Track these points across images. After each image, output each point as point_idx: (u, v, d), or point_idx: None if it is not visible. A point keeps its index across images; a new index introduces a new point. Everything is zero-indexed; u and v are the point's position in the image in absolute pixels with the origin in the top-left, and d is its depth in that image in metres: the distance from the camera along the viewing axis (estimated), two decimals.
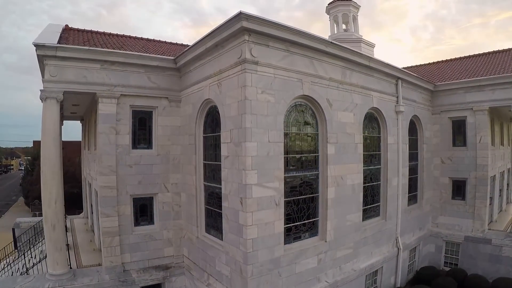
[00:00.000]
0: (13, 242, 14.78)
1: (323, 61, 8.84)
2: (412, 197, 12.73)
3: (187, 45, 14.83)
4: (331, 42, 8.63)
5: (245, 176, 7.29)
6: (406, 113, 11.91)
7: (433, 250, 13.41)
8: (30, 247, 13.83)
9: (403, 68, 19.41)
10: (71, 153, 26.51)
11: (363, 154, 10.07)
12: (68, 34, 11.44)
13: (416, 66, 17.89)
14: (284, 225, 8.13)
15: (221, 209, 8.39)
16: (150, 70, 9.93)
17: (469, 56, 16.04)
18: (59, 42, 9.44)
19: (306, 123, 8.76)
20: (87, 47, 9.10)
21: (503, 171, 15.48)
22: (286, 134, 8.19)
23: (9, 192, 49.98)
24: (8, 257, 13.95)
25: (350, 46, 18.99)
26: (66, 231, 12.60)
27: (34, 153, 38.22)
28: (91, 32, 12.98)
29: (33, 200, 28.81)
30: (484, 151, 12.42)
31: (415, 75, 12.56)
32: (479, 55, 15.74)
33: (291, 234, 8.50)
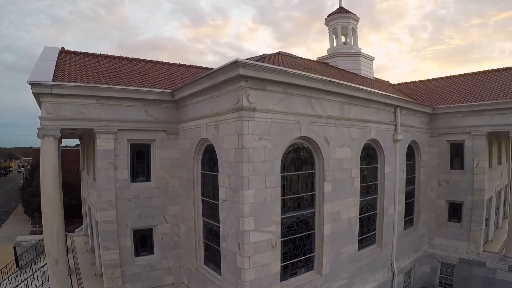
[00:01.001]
0: (14, 261, 15.01)
1: (322, 98, 8.81)
2: (408, 221, 12.89)
3: (185, 65, 14.85)
4: (329, 80, 8.57)
5: (243, 223, 7.38)
6: (404, 140, 11.92)
7: (429, 271, 13.66)
8: (32, 266, 14.09)
9: (402, 83, 19.33)
10: (69, 163, 26.48)
11: (360, 186, 10.15)
12: (64, 61, 11.34)
13: (415, 82, 17.77)
14: (281, 263, 8.29)
15: (219, 246, 8.52)
16: (147, 103, 9.89)
17: (469, 74, 15.93)
18: (55, 73, 9.41)
19: (303, 163, 8.80)
20: (83, 84, 9.03)
21: (500, 189, 15.60)
22: (283, 177, 8.24)
23: (8, 198, 49.43)
24: (11, 276, 14.20)
25: (349, 61, 19.08)
26: (67, 251, 12.82)
27: (33, 161, 38.08)
28: (87, 55, 12.87)
29: (33, 213, 28.62)
30: (481, 175, 12.49)
31: (414, 101, 12.52)
32: (479, 73, 15.62)
33: (288, 271, 8.67)
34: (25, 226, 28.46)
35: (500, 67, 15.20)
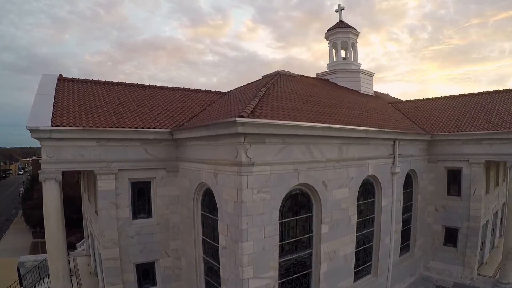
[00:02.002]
0: (18, 281, 15.38)
1: (320, 143, 8.88)
2: (404, 247, 13.13)
3: (184, 89, 14.77)
4: (329, 127, 8.61)
5: (242, 272, 7.60)
6: (402, 170, 12.02)
7: None
8: (36, 286, 14.47)
9: (402, 102, 19.17)
10: (68, 174, 26.38)
11: (357, 221, 10.32)
12: (62, 93, 11.30)
13: (415, 101, 17.68)
14: None
15: (220, 286, 8.77)
16: (146, 142, 9.98)
17: (469, 95, 15.85)
18: (53, 113, 9.44)
19: (301, 207, 8.94)
20: (82, 128, 9.08)
21: (497, 210, 15.79)
22: (281, 223, 8.40)
23: (8, 204, 48.64)
24: None
25: (349, 77, 18.98)
26: (71, 275, 13.15)
27: (33, 170, 37.97)
28: (85, 82, 12.82)
29: (35, 227, 28.54)
30: (478, 203, 12.65)
31: (413, 131, 12.53)
32: (479, 94, 15.55)
33: None
34: (26, 238, 28.50)
35: (500, 89, 15.12)
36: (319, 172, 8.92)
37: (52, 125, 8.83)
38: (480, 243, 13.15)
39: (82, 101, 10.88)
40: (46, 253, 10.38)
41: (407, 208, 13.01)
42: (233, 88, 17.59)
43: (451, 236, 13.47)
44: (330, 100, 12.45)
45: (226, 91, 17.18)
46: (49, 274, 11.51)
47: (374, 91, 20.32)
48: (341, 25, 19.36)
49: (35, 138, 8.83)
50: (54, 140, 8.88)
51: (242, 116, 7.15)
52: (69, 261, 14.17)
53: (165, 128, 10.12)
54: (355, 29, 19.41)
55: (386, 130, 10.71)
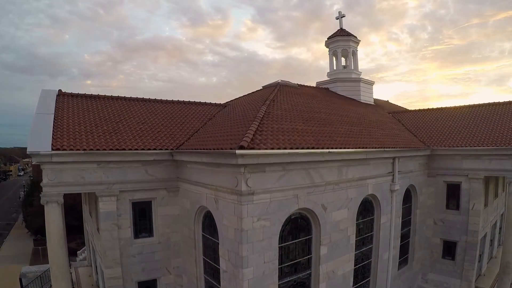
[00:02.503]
0: None
1: (320, 167, 8.93)
2: (403, 261, 13.27)
3: (184, 102, 14.74)
4: (328, 152, 8.65)
5: None
6: (401, 187, 12.08)
7: None
8: None
9: (402, 112, 19.05)
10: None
11: (356, 240, 10.42)
12: (62, 110, 11.28)
13: (415, 111, 17.64)
14: None
15: None
16: (147, 163, 10.04)
17: (470, 106, 15.82)
18: (53, 134, 9.46)
19: (301, 230, 9.03)
20: (82, 151, 9.11)
21: (496, 221, 15.91)
22: (281, 247, 8.49)
23: (8, 207, 47.89)
24: None
25: (349, 86, 18.90)
26: (73, 285, 13.31)
27: (33, 174, 37.80)
28: (85, 97, 12.77)
29: (36, 234, 28.49)
30: (476, 217, 12.75)
31: (413, 147, 12.54)
32: (479, 105, 15.53)
33: None
34: (27, 244, 28.31)
35: (501, 101, 15.11)
36: (319, 195, 8.99)
37: (52, 149, 8.88)
38: (478, 256, 13.29)
39: (82, 120, 10.89)
40: (47, 261, 10.46)
41: (406, 222, 13.11)
42: (233, 99, 17.56)
43: (449, 249, 13.60)
44: (330, 116, 12.45)
45: (226, 101, 17.15)
46: (51, 286, 11.64)
47: (375, 99, 20.28)
48: (342, 33, 19.24)
49: (36, 162, 8.89)
50: (55, 164, 8.94)
51: (242, 146, 7.18)
52: (71, 273, 14.33)
53: (165, 149, 10.16)
54: (356, 37, 19.31)
55: (386, 149, 10.74)
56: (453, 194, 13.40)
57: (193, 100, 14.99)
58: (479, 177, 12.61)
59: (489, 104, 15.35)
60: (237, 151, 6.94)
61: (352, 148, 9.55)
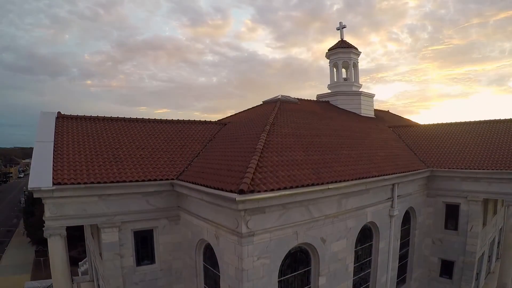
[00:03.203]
0: None
1: (319, 202, 8.99)
2: (401, 280, 13.46)
3: (187, 121, 14.70)
4: (328, 188, 8.70)
5: None
6: (400, 211, 12.17)
7: None
8: None
9: (403, 126, 18.83)
10: None
11: (354, 266, 10.56)
12: (62, 135, 11.30)
13: (416, 126, 17.57)
14: None
15: None
16: (148, 194, 10.13)
17: (470, 123, 15.77)
18: (54, 166, 9.53)
19: (300, 263, 9.15)
20: (83, 186, 9.20)
21: (494, 237, 16.04)
22: (280, 281, 8.63)
23: (9, 212, 46.79)
24: None
25: (349, 99, 18.79)
26: None
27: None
28: (84, 119, 12.78)
29: (37, 247, 28.34)
30: (474, 239, 12.87)
31: (413, 170, 12.56)
32: (481, 122, 15.48)
33: None
34: (28, 252, 27.99)
35: (502, 118, 15.05)
36: (318, 229, 9.08)
37: (53, 183, 8.95)
38: (475, 275, 13.47)
39: (82, 147, 10.93)
40: (49, 273, 10.54)
41: (405, 243, 13.25)
42: (233, 114, 17.53)
43: (447, 268, 13.79)
44: (330, 139, 12.45)
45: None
46: None
47: (375, 104, 20.17)
48: (342, 45, 19.06)
49: (38, 196, 8.98)
50: (56, 198, 9.03)
51: (242, 190, 7.21)
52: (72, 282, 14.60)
53: (166, 179, 10.23)
54: (356, 49, 19.13)
55: (385, 177, 10.78)
56: (452, 214, 13.51)
57: (193, 119, 14.97)
58: (478, 199, 12.68)
59: (490, 122, 15.29)
60: (237, 198, 7.00)
61: (352, 180, 9.60)
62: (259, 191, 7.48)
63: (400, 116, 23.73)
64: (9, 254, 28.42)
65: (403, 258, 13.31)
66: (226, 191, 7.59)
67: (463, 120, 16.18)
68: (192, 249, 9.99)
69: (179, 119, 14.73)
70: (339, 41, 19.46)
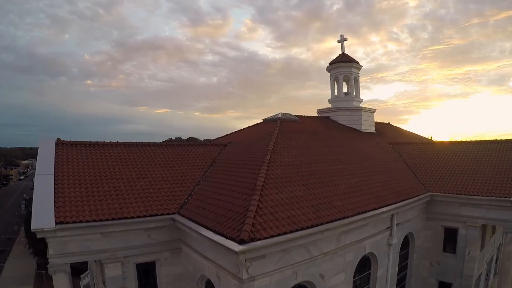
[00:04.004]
0: None
1: (319, 241, 9.08)
2: None
3: (187, 144, 14.74)
4: (327, 229, 8.78)
5: None
6: (399, 239, 12.28)
7: None
8: None
9: (403, 143, 18.64)
10: None
11: None
12: (62, 165, 11.35)
13: (417, 144, 17.50)
14: None
15: None
16: (149, 229, 10.25)
17: (471, 143, 15.73)
18: (55, 203, 9.62)
19: None
20: (86, 224, 9.31)
21: (492, 256, 16.21)
22: None
23: (9, 218, 45.55)
24: None
25: (350, 115, 18.69)
26: None
27: None
28: (84, 145, 12.79)
29: (39, 259, 28.01)
30: (472, 263, 13.03)
31: (413, 196, 12.59)
32: (481, 142, 15.43)
33: None
34: (30, 263, 27.02)
35: (503, 139, 15.00)
36: (316, 267, 9.21)
37: (56, 222, 9.06)
38: None
39: (83, 179, 10.99)
40: (51, 286, 10.74)
41: (403, 267, 13.42)
42: (233, 131, 17.49)
43: None
44: (330, 167, 12.48)
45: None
46: None
47: (376, 121, 20.10)
48: (343, 59, 18.85)
49: (41, 237, 9.11)
50: (60, 237, 9.16)
51: (243, 240, 7.30)
52: None
53: (167, 213, 10.34)
54: (358, 63, 18.92)
55: (385, 210, 10.84)
56: (450, 238, 13.63)
57: (192, 143, 14.97)
58: (476, 225, 12.78)
59: (490, 142, 15.24)
60: (238, 249, 7.08)
61: (351, 217, 9.67)
62: (259, 239, 7.56)
63: (401, 128, 23.63)
64: (11, 265, 27.85)
65: (401, 280, 13.52)
66: (227, 237, 7.69)
67: (464, 140, 16.14)
68: (194, 282, 10.17)
69: (180, 140, 14.75)
70: (340, 55, 19.23)
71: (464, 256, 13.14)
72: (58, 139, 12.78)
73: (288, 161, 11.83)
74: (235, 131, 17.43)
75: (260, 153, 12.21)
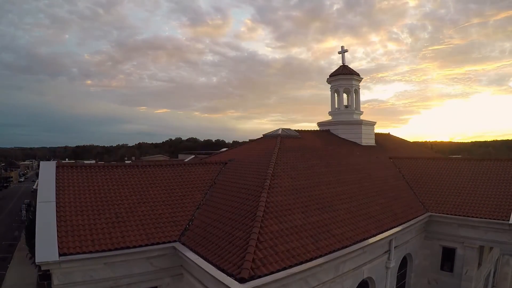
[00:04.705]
0: None
1: (317, 272, 9.22)
2: None
3: (187, 163, 14.79)
4: (325, 261, 8.91)
5: None
6: (397, 262, 12.43)
7: None
8: None
9: (403, 158, 18.62)
10: None
11: None
12: (63, 190, 11.43)
13: (417, 159, 17.53)
14: None
15: None
16: (151, 257, 10.41)
17: (471, 160, 15.76)
18: (58, 234, 9.78)
19: None
20: (89, 256, 9.47)
21: (490, 270, 16.41)
22: None
23: (10, 223, 44.58)
24: None
25: (350, 129, 18.68)
26: None
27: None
28: (84, 168, 12.86)
29: (40, 269, 27.35)
30: (469, 283, 13.23)
31: (412, 219, 12.70)
32: (481, 160, 15.46)
33: None
34: (31, 271, 26.69)
35: (503, 158, 15.01)
36: None
37: (60, 254, 9.22)
38: None
39: (84, 205, 11.08)
40: None
41: (400, 286, 13.63)
42: (232, 147, 17.52)
43: None
44: (329, 189, 12.57)
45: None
46: None
47: (376, 132, 20.10)
48: (344, 71, 18.74)
49: (46, 269, 9.29)
50: (64, 268, 9.34)
51: (243, 278, 7.46)
52: None
53: (168, 241, 10.49)
54: (358, 75, 18.81)
55: (383, 236, 10.95)
56: (448, 257, 13.80)
57: (191, 162, 15.04)
58: (474, 246, 12.92)
59: (490, 160, 15.27)
60: None
61: (349, 246, 9.80)
62: (260, 276, 7.72)
63: (401, 139, 23.61)
64: (12, 272, 27.37)
65: None
66: (228, 274, 7.83)
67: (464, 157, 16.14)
68: None
69: (179, 160, 14.82)
70: (340, 66, 19.11)
71: (462, 275, 13.33)
72: (58, 161, 12.86)
73: (288, 185, 11.92)
74: (236, 147, 17.47)
75: (260, 177, 12.29)
